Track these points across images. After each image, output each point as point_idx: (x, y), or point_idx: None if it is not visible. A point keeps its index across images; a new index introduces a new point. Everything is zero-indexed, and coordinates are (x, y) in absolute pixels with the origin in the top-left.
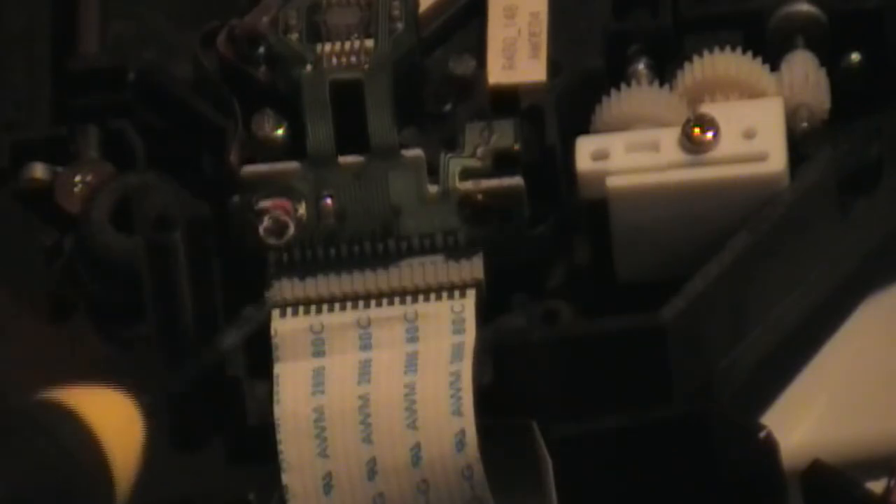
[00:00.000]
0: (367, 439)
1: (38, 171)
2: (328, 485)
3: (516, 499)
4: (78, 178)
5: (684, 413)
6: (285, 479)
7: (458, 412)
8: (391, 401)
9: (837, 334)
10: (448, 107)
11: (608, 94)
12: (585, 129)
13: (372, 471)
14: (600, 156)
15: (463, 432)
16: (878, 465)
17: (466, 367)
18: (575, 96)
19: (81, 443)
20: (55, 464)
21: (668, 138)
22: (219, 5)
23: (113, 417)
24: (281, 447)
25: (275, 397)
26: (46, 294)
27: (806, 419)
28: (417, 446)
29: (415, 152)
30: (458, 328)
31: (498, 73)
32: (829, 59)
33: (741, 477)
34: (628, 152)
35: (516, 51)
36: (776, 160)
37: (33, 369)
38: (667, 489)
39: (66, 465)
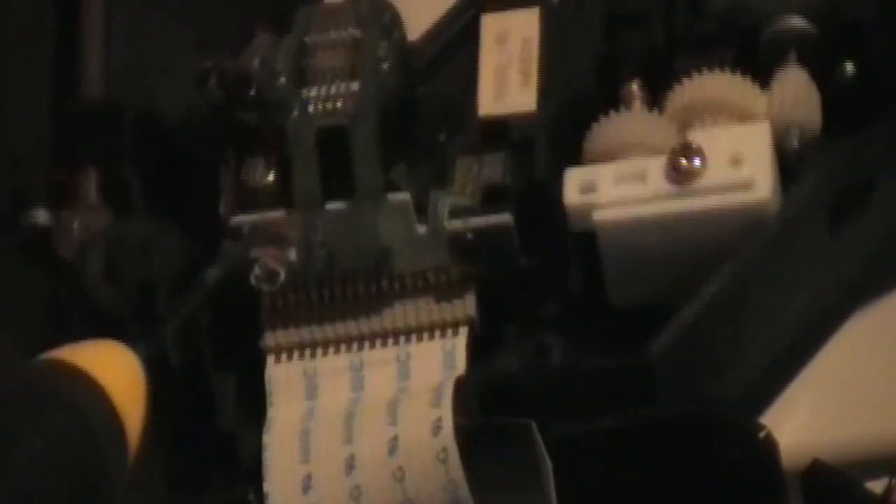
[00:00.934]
0: (348, 440)
1: (40, 217)
2: (307, 485)
3: (516, 499)
4: (76, 225)
5: (684, 413)
6: (266, 486)
7: (436, 405)
8: (376, 408)
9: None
10: (442, 137)
11: (599, 119)
12: (578, 153)
13: (350, 466)
14: (588, 188)
15: (440, 419)
16: (878, 465)
17: (450, 377)
18: (566, 122)
19: (98, 410)
20: (75, 435)
21: (655, 168)
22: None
23: (121, 375)
24: (266, 462)
25: (265, 429)
26: (46, 344)
27: (806, 419)
28: (395, 438)
29: (401, 197)
30: (450, 365)
31: (488, 105)
32: (822, 72)
33: (741, 477)
34: (616, 184)
35: (507, 78)
36: (762, 188)
37: None
38: (667, 489)
39: (85, 434)
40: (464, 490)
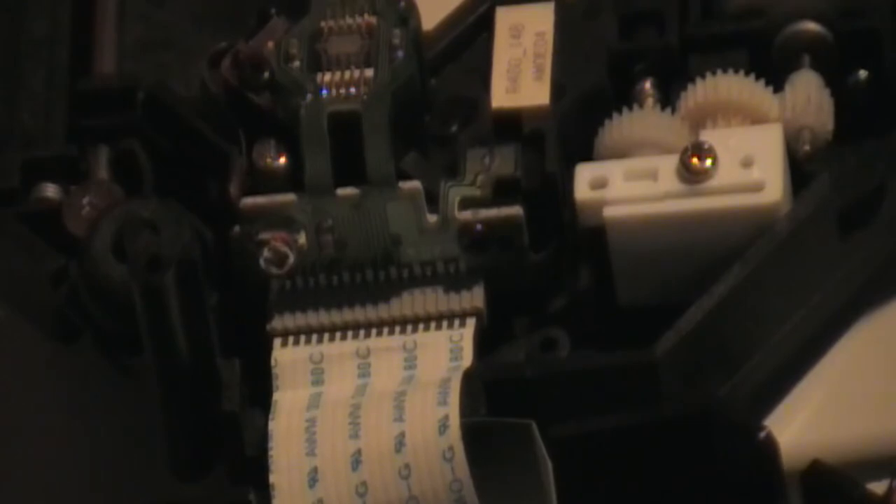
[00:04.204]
0: (355, 435)
1: (49, 191)
2: (313, 479)
3: (516, 499)
4: (86, 200)
5: (684, 413)
6: (272, 479)
7: (443, 402)
8: (381, 402)
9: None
10: (454, 128)
11: (612, 115)
12: (590, 149)
13: (356, 461)
14: (599, 184)
15: (447, 417)
16: (878, 465)
17: (457, 374)
18: (579, 118)
19: None
20: None
21: (667, 167)
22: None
23: None
24: (271, 453)
25: (271, 414)
26: (52, 316)
27: (806, 419)
28: (402, 435)
29: (412, 185)
30: (456, 356)
31: (501, 97)
32: (836, 78)
33: (741, 477)
34: (627, 181)
35: (521, 72)
36: (772, 190)
37: (37, 392)
38: (666, 489)
39: None
40: (469, 489)
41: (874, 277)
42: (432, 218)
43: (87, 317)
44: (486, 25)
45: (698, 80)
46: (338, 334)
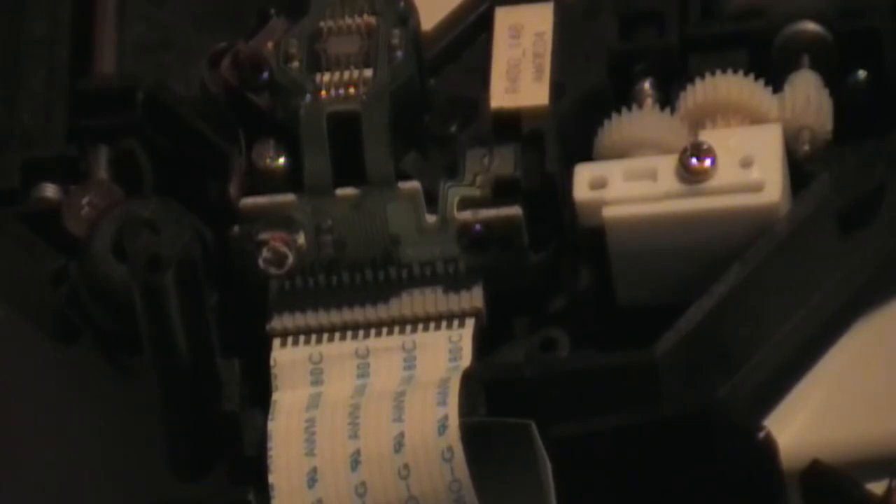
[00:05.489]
0: (354, 435)
1: (49, 191)
2: (312, 479)
3: (516, 499)
4: (86, 200)
5: (683, 413)
6: (272, 479)
7: (443, 403)
8: (381, 402)
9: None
10: (453, 128)
11: (612, 115)
12: (589, 149)
13: (356, 461)
14: (598, 184)
15: (446, 417)
16: (878, 465)
17: (456, 374)
18: (579, 118)
19: None
20: None
21: (666, 167)
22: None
23: None
24: (271, 453)
25: (270, 414)
26: (52, 316)
27: (806, 419)
28: (401, 435)
29: (411, 185)
30: (455, 356)
31: (500, 98)
32: (836, 77)
33: (741, 477)
34: (626, 181)
35: (520, 72)
36: (772, 190)
37: (37, 392)
38: (667, 489)
39: None
40: (469, 489)
41: (874, 277)
42: (432, 218)
43: (87, 317)
44: (485, 25)
45: (698, 80)
46: (337, 334)
